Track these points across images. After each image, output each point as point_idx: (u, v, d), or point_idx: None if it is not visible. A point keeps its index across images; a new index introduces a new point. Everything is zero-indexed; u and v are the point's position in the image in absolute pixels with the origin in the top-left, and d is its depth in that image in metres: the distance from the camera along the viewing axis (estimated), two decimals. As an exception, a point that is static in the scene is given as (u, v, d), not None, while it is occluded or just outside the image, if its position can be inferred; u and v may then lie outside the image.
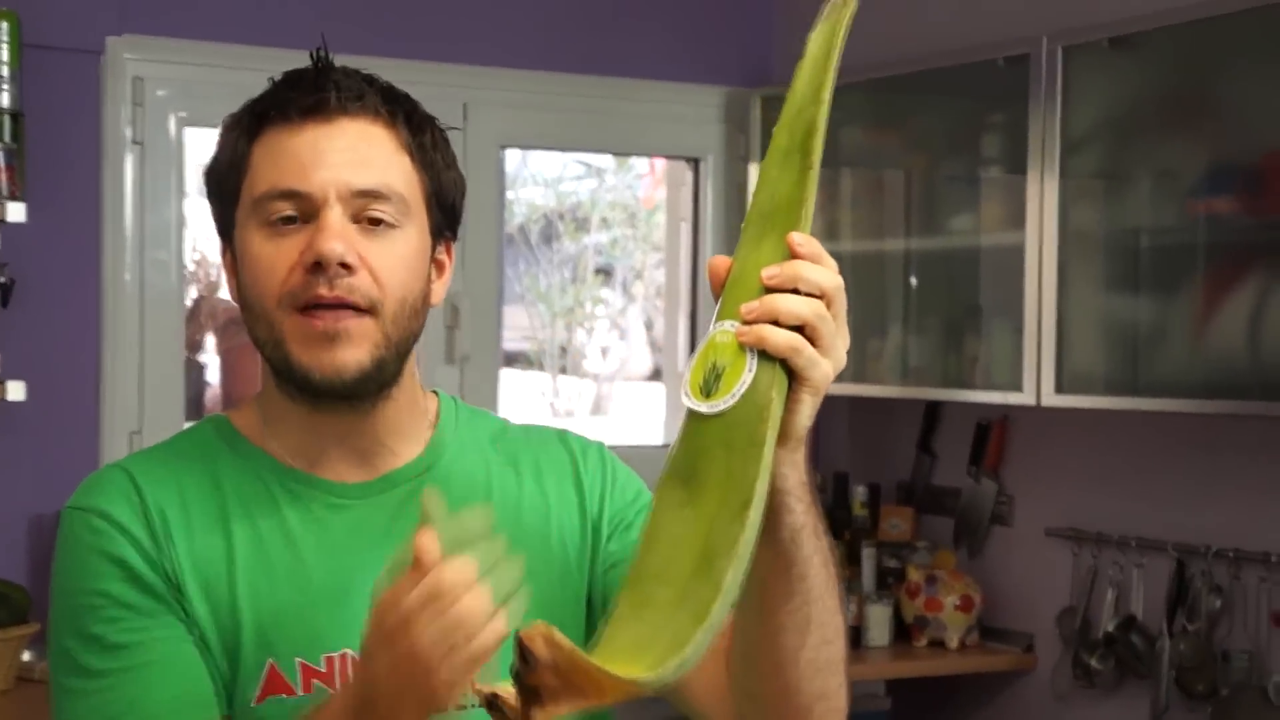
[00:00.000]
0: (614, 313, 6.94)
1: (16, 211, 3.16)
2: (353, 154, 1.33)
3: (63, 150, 3.38)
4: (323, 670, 1.33)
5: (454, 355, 3.77)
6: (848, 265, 4.11)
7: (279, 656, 1.33)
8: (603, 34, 3.91)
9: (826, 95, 1.14)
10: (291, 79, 1.37)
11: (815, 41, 1.16)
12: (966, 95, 3.54)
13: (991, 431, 3.73)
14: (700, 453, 1.10)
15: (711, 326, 1.13)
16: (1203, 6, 2.99)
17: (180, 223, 3.54)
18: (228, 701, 1.33)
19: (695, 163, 4.08)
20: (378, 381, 1.35)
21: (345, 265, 1.30)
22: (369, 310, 1.32)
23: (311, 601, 1.34)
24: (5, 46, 3.21)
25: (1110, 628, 3.41)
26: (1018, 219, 3.28)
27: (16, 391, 3.19)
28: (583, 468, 1.47)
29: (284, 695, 1.33)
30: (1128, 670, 3.40)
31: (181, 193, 3.54)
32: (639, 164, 6.00)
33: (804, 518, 1.21)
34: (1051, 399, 3.22)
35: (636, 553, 1.11)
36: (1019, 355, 3.28)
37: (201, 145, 4.28)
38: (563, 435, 1.50)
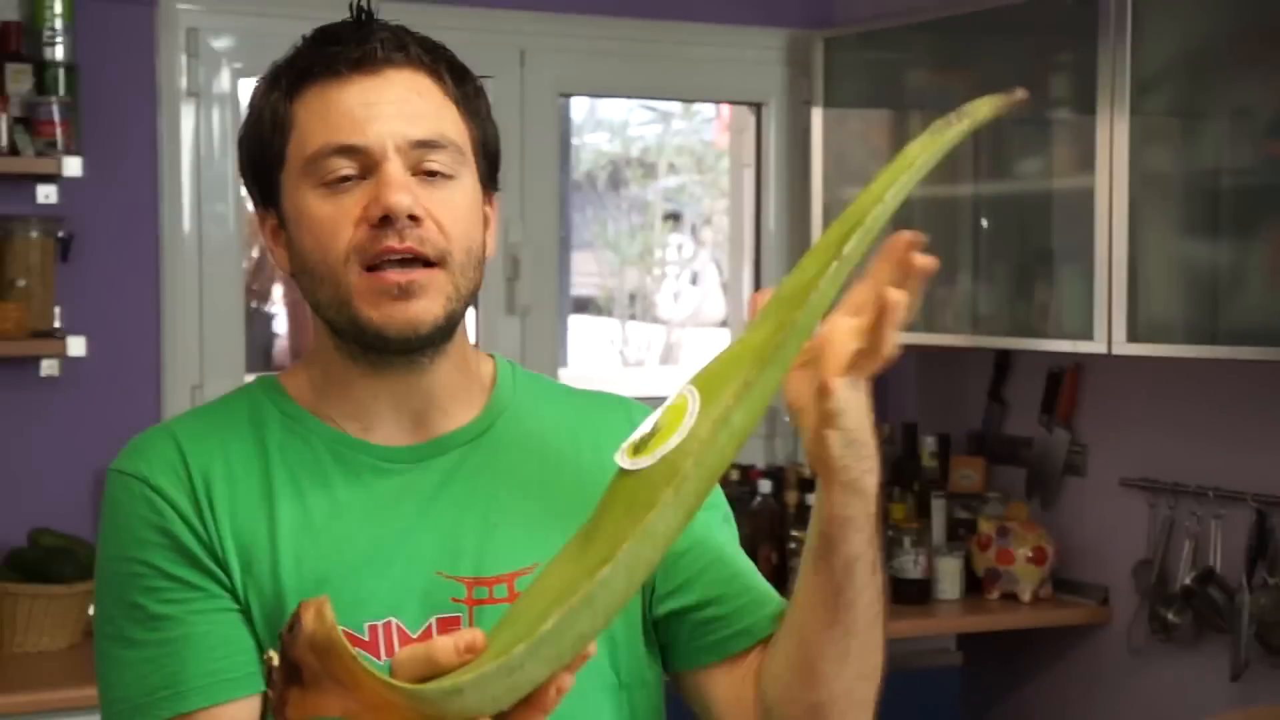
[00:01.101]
0: (683, 258, 6.88)
1: (73, 166, 3.15)
2: (405, 105, 1.30)
3: (118, 103, 3.36)
4: (365, 638, 1.30)
5: (514, 306, 3.73)
6: (916, 211, 4.03)
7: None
8: (662, -24, 3.84)
9: (892, 197, 1.11)
10: (328, 34, 1.33)
11: (911, 149, 1.14)
12: (1034, 33, 3.44)
13: (1064, 380, 3.64)
14: (606, 509, 1.06)
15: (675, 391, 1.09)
16: (1282, -65, 2.88)
17: (237, 175, 3.51)
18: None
19: (758, 108, 4.00)
20: (444, 336, 1.32)
21: (413, 217, 1.27)
22: (438, 262, 1.29)
23: (355, 568, 1.31)
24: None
25: (1188, 580, 3.33)
26: (1088, 161, 3.18)
27: (77, 347, 3.19)
28: None
29: None
30: (1206, 624, 3.32)
31: (237, 145, 3.50)
32: (706, 108, 5.92)
33: (861, 548, 1.22)
34: (1123, 347, 3.13)
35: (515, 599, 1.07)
36: (1089, 303, 3.18)
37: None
38: (625, 404, 1.45)
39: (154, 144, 3.41)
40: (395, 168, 1.28)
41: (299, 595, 1.29)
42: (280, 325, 4.98)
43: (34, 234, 3.21)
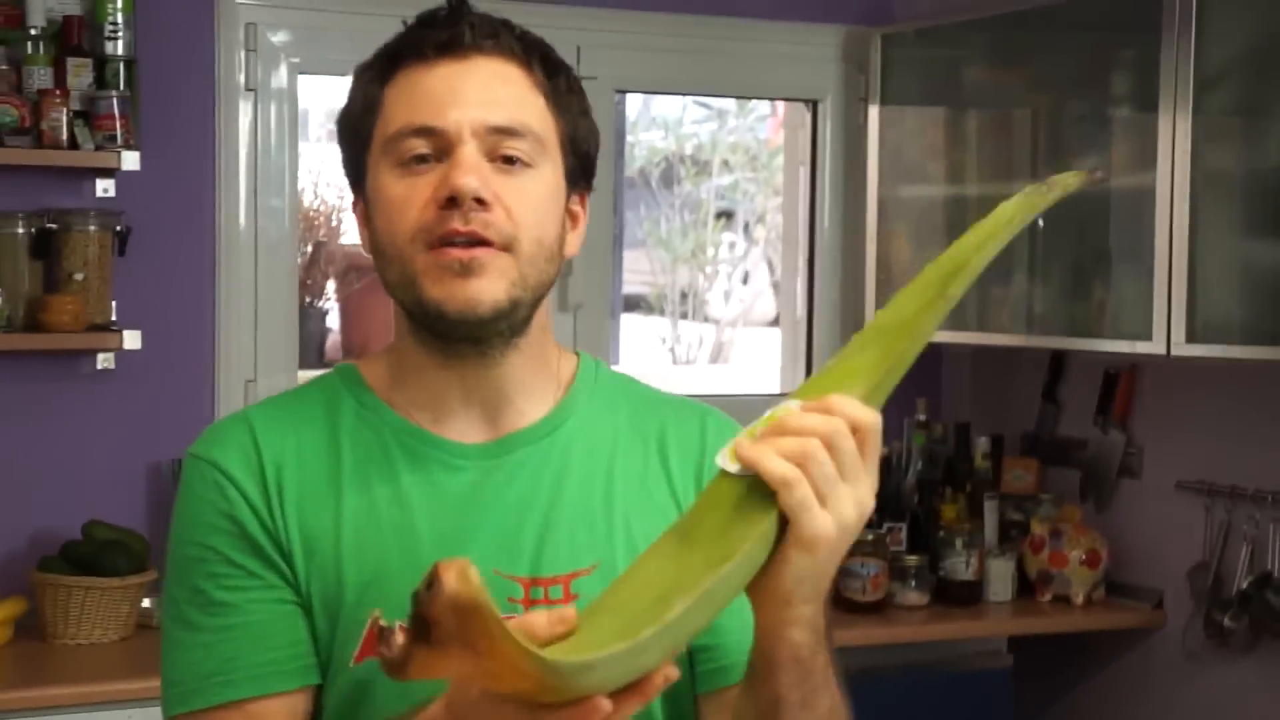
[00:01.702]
0: (736, 256, 6.86)
1: (131, 160, 3.17)
2: (487, 91, 1.30)
3: (176, 98, 3.38)
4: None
5: (567, 303, 3.73)
6: (973, 209, 4.00)
7: (380, 620, 1.30)
8: (717, -27, 3.82)
9: (989, 251, 1.15)
10: (424, 19, 1.34)
11: (1005, 208, 1.17)
12: (1095, 29, 3.40)
13: (1119, 381, 3.60)
14: (709, 509, 1.06)
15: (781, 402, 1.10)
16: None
17: (294, 169, 3.52)
18: (327, 659, 1.32)
19: (814, 104, 3.98)
20: (509, 324, 1.31)
21: (480, 200, 1.27)
22: (504, 247, 1.28)
23: (417, 565, 1.29)
24: (119, -7, 3.21)
25: (1244, 585, 3.29)
26: (1148, 160, 3.15)
27: (133, 340, 3.21)
28: (710, 456, 1.39)
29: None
30: (1263, 630, 3.28)
31: (295, 139, 3.52)
32: (760, 105, 5.90)
33: (789, 690, 1.14)
34: (1182, 348, 3.10)
35: (605, 590, 1.07)
36: (1148, 303, 3.15)
37: (315, 91, 4.28)
38: (704, 415, 1.43)
39: (211, 139, 3.42)
40: (469, 151, 1.28)
41: (358, 587, 1.30)
42: (333, 320, 5.00)
43: (92, 228, 3.23)
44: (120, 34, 3.21)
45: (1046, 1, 3.43)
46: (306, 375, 3.76)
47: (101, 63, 3.20)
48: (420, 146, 1.29)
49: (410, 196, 1.29)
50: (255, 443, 1.34)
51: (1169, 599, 3.52)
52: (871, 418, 1.06)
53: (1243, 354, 3.06)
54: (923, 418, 3.75)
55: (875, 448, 1.06)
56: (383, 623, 0.96)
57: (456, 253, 1.27)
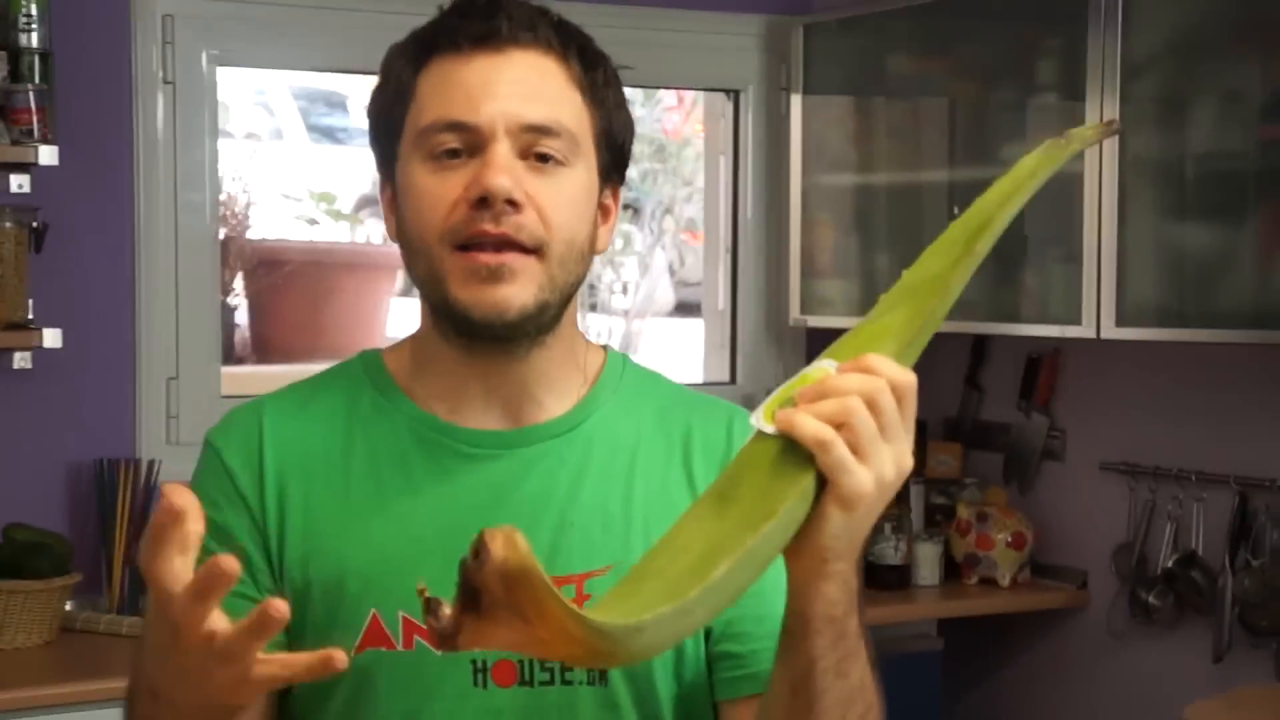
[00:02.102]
0: (644, 249, 6.87)
1: (48, 155, 3.09)
2: (523, 86, 1.28)
3: (93, 91, 3.31)
4: (425, 626, 1.27)
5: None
6: (896, 197, 4.02)
7: (383, 608, 1.29)
8: (637, -38, 3.81)
9: (1012, 207, 1.14)
10: (461, 7, 1.31)
11: (1024, 163, 1.17)
12: (1019, 18, 3.44)
13: (1042, 365, 3.66)
14: (745, 470, 1.06)
15: (813, 362, 1.09)
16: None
17: (213, 163, 3.46)
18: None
19: (735, 95, 3.99)
20: (537, 325, 1.29)
21: (512, 202, 1.25)
22: (534, 250, 1.26)
23: (423, 555, 1.29)
24: (33, -15, 3.13)
25: (1169, 564, 3.36)
26: (1074, 147, 3.18)
27: (52, 338, 3.14)
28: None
29: (383, 648, 1.29)
30: (1187, 607, 3.35)
31: (214, 133, 3.46)
32: (666, 96, 5.90)
33: (824, 652, 1.13)
34: (1112, 332, 3.15)
35: (644, 555, 1.06)
36: (1076, 287, 3.19)
37: (233, 84, 4.21)
38: (731, 416, 1.41)
39: (129, 133, 3.35)
40: (502, 149, 1.26)
41: (362, 577, 1.29)
42: (241, 316, 4.92)
43: (7, 224, 3.14)
44: (35, 27, 3.13)
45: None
46: (229, 372, 3.70)
47: (16, 56, 3.12)
48: (452, 141, 1.27)
49: (440, 193, 1.27)
50: (260, 432, 1.34)
51: (1093, 579, 3.58)
52: (909, 377, 1.06)
53: (1171, 336, 3.12)
54: (847, 405, 3.77)
55: (912, 407, 1.06)
56: (425, 594, 0.95)
57: (485, 258, 1.25)
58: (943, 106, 3.66)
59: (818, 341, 3.97)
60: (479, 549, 0.92)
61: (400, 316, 4.74)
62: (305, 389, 1.39)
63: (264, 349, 4.86)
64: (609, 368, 1.40)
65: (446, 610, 0.94)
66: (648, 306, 6.84)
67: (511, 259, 1.25)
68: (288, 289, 4.82)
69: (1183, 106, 3.11)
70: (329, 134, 5.50)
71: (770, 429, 1.05)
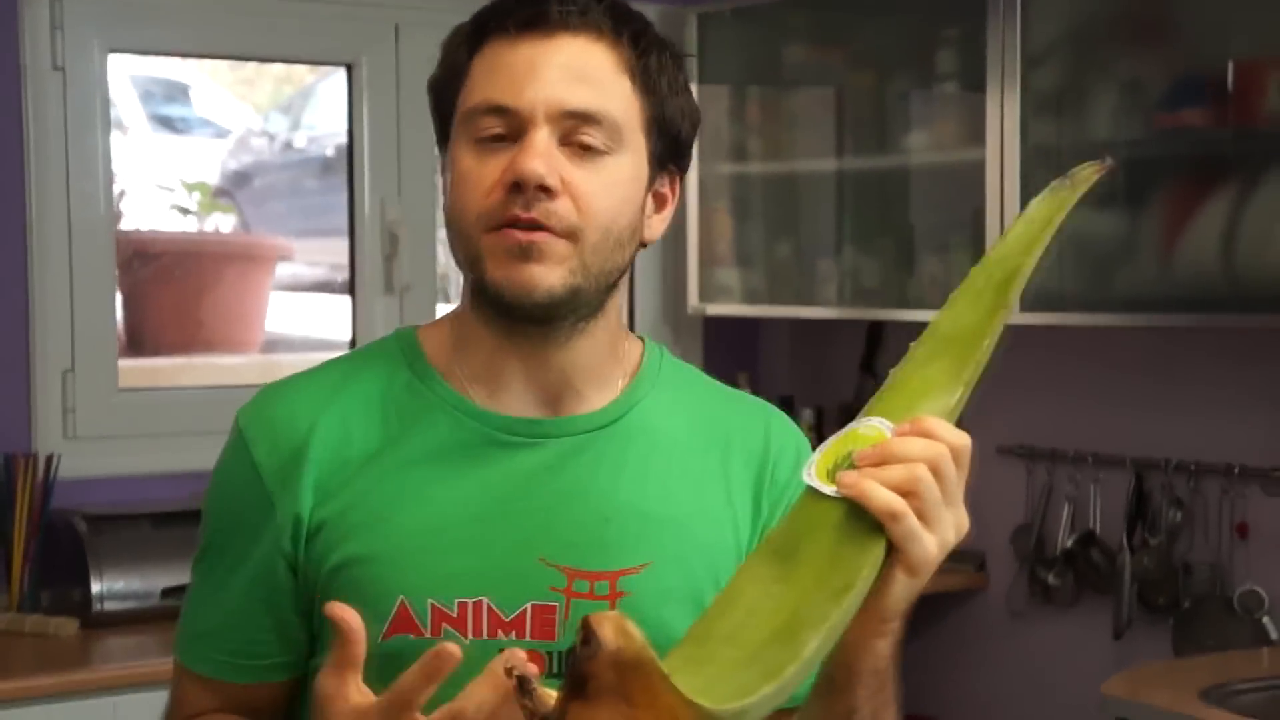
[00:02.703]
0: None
1: (-64, 143, 3.00)
2: (568, 72, 1.27)
3: (-20, 78, 3.21)
4: (454, 615, 1.27)
5: (393, 285, 3.67)
6: (781, 185, 4.01)
7: (411, 595, 1.28)
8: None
9: (1035, 254, 1.16)
10: None
11: (1038, 207, 1.19)
12: (917, 9, 3.49)
13: (939, 351, 3.70)
14: (807, 532, 1.07)
15: (858, 419, 1.10)
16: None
17: (107, 152, 3.38)
18: None
19: (630, 84, 3.98)
20: (571, 309, 1.29)
21: (545, 188, 1.25)
22: (567, 235, 1.26)
23: (454, 543, 1.28)
24: (-84, -32, 3.04)
25: (1068, 544, 3.43)
26: (975, 136, 3.24)
27: (-58, 332, 3.05)
28: (772, 464, 1.38)
29: (410, 635, 1.27)
30: (1086, 586, 3.42)
31: (107, 120, 3.38)
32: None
33: (863, 702, 1.17)
34: (1018, 317, 3.19)
35: (706, 614, 1.06)
36: (977, 274, 3.24)
37: (125, 71, 4.10)
38: (768, 418, 1.42)
39: (19, 121, 3.26)
40: (540, 135, 1.26)
41: (391, 560, 1.28)
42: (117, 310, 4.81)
43: (-106, 215, 3.05)
44: (-80, 10, 3.04)
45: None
46: (126, 365, 3.62)
47: (-98, 40, 3.03)
48: (495, 126, 1.27)
49: (480, 176, 1.27)
50: (290, 413, 1.33)
51: (991, 560, 3.65)
52: (966, 441, 1.09)
53: (1075, 320, 3.18)
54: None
55: (967, 469, 1.09)
56: (519, 668, 0.97)
57: (517, 234, 1.26)
58: (839, 96, 3.69)
59: (715, 329, 4.00)
60: (589, 636, 0.93)
61: (280, 309, 4.67)
62: (339, 370, 1.37)
63: (139, 343, 4.76)
64: (648, 360, 1.40)
65: (538, 691, 0.96)
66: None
67: (542, 238, 1.26)
68: (166, 281, 4.72)
69: (1082, 96, 3.17)
70: (167, 124, 5.38)
71: (831, 490, 1.06)
